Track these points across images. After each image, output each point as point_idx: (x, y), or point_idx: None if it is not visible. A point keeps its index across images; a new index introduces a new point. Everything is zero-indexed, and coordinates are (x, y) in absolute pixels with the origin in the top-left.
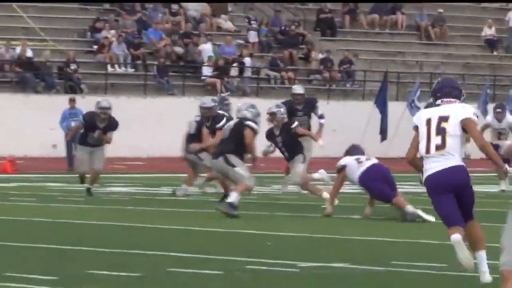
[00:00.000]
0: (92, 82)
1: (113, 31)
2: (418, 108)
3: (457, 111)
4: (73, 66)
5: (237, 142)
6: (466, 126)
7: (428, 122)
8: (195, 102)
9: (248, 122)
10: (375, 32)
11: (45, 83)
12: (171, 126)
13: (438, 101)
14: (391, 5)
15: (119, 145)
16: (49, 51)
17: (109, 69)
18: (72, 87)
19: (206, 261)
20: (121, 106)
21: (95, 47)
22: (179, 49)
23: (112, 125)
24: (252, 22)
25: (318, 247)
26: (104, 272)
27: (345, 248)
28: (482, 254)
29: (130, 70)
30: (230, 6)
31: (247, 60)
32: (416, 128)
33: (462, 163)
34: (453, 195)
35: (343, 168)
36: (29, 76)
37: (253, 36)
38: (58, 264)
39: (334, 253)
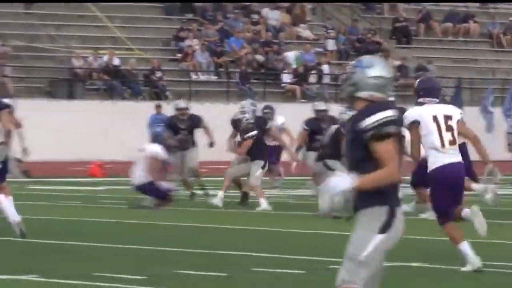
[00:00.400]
0: (176, 89)
1: (196, 40)
2: (491, 113)
3: (455, 112)
4: (158, 74)
5: (336, 147)
6: (461, 126)
7: (435, 118)
8: (276, 107)
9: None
10: (449, 40)
11: (132, 90)
12: None
13: (420, 100)
14: (464, 14)
15: (202, 150)
16: (135, 60)
17: (193, 76)
18: (158, 94)
19: (290, 261)
20: (204, 112)
21: (179, 55)
22: (259, 57)
23: (195, 122)
24: (329, 31)
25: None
26: (191, 272)
27: (422, 247)
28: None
29: (213, 78)
30: (309, 15)
31: (326, 67)
32: (414, 124)
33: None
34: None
35: None
36: (116, 84)
37: (331, 44)
38: (146, 264)
39: (415, 253)
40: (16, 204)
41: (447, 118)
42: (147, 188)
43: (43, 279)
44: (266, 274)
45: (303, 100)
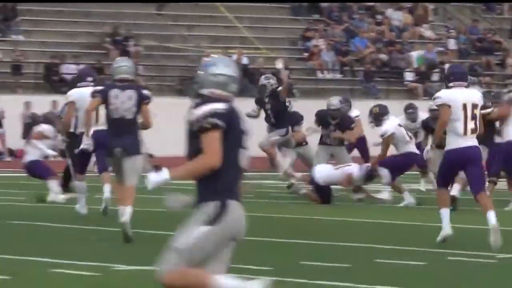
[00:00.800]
0: (303, 87)
1: (322, 40)
2: None
3: (480, 99)
4: (285, 72)
5: None
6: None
7: (464, 107)
8: (398, 105)
9: None
10: None
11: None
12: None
13: (451, 84)
14: None
15: None
16: (262, 59)
17: (319, 75)
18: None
19: (410, 252)
20: None
21: (306, 54)
22: (383, 56)
23: (345, 123)
24: (451, 30)
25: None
26: (315, 263)
27: None
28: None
29: (338, 76)
30: (431, 16)
31: (447, 66)
32: (446, 106)
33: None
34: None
35: None
36: (245, 82)
37: (452, 44)
38: (271, 255)
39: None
40: (147, 197)
41: (474, 106)
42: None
43: None
44: (387, 265)
45: (425, 98)
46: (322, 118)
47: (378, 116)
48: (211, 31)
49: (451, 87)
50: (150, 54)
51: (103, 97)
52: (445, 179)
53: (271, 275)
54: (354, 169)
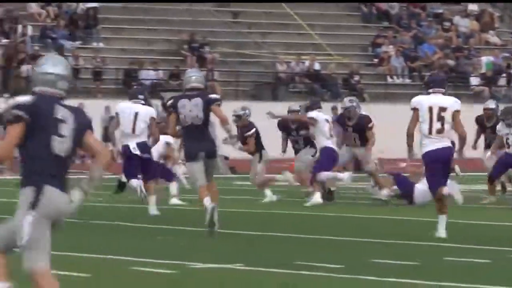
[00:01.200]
0: (373, 92)
1: (391, 46)
2: None
3: (452, 104)
4: (356, 78)
5: None
6: (454, 117)
7: (430, 109)
8: (464, 108)
9: None
10: None
11: (331, 92)
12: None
13: (430, 90)
14: None
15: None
16: (334, 64)
17: (388, 80)
18: (355, 96)
19: (474, 251)
20: (398, 113)
21: (376, 60)
22: (450, 62)
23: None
24: None
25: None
26: (386, 261)
27: None
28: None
29: (407, 81)
30: (496, 23)
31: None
32: (415, 109)
33: (450, 144)
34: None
35: None
36: (317, 87)
37: None
38: (343, 253)
39: None
40: (223, 198)
41: (441, 109)
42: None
43: (247, 268)
44: (456, 263)
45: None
46: (339, 120)
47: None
48: (285, 38)
49: (430, 93)
50: (225, 60)
51: (174, 110)
52: (438, 180)
53: (342, 273)
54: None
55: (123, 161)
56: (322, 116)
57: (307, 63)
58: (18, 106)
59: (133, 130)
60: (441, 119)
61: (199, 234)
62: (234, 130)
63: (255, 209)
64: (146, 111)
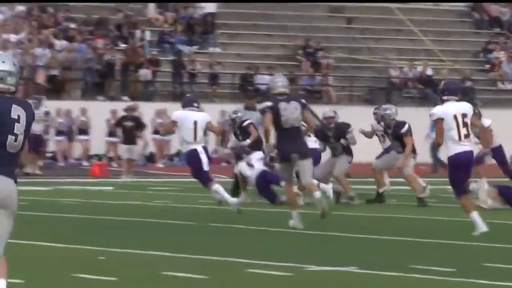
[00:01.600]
0: (484, 97)
1: (503, 52)
2: None
3: (469, 110)
4: (468, 83)
5: None
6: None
7: (455, 117)
8: None
9: None
10: None
11: None
12: None
13: (445, 97)
14: None
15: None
16: (446, 70)
17: (500, 85)
18: (471, 102)
19: None
20: (510, 118)
21: (487, 66)
22: None
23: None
24: None
25: None
26: (498, 265)
27: None
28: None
29: None
30: None
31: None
32: (440, 120)
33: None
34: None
35: None
36: (430, 92)
37: None
38: (454, 257)
39: None
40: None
41: (463, 116)
42: None
43: (361, 271)
44: None
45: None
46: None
47: None
48: (397, 43)
49: (446, 100)
50: (339, 65)
51: (273, 112)
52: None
53: (455, 277)
54: None
55: (195, 167)
56: None
57: (419, 68)
58: None
59: (195, 138)
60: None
61: (315, 237)
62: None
63: (368, 212)
64: (203, 118)
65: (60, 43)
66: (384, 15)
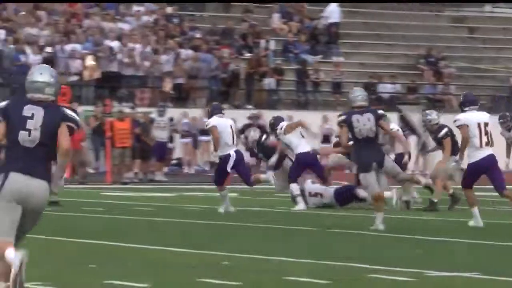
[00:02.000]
0: None
1: None
2: None
3: (488, 119)
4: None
5: None
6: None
7: (479, 125)
8: None
9: None
10: None
11: None
12: None
13: (467, 108)
14: None
15: None
16: None
17: None
18: None
19: None
20: None
21: None
22: None
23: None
24: None
25: None
26: None
27: None
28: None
29: None
30: None
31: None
32: (465, 126)
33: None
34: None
35: None
36: None
37: None
38: None
39: None
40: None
41: (485, 124)
42: None
43: (484, 276)
44: None
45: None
46: None
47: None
48: None
49: (466, 110)
50: (461, 74)
51: (348, 124)
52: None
53: None
54: None
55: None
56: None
57: None
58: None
59: (233, 141)
60: (487, 133)
61: (435, 243)
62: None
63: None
64: (231, 123)
65: (185, 52)
66: (506, 25)
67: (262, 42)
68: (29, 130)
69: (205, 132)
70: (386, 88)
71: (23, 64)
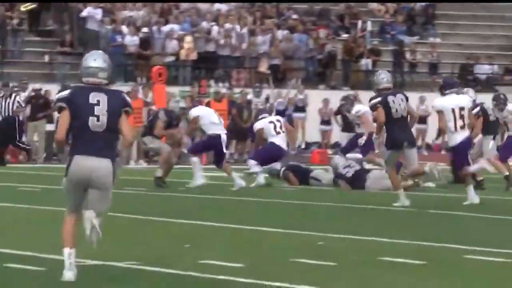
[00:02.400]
0: None
1: None
2: None
3: (467, 103)
4: None
5: None
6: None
7: (453, 110)
8: None
9: None
10: None
11: None
12: None
13: (447, 91)
14: None
15: None
16: None
17: None
18: None
19: None
20: None
21: None
22: None
23: None
24: None
25: None
26: None
27: None
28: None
29: None
30: None
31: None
32: (441, 112)
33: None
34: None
35: None
36: None
37: None
38: None
39: None
40: None
41: (460, 109)
42: None
43: None
44: None
45: None
46: None
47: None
48: None
49: (446, 94)
50: None
51: (384, 105)
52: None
53: None
54: None
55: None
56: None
57: None
58: (58, 99)
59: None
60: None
61: None
62: None
63: None
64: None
65: (282, 33)
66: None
67: (359, 23)
68: (97, 116)
69: (299, 109)
70: (482, 69)
71: (119, 44)
